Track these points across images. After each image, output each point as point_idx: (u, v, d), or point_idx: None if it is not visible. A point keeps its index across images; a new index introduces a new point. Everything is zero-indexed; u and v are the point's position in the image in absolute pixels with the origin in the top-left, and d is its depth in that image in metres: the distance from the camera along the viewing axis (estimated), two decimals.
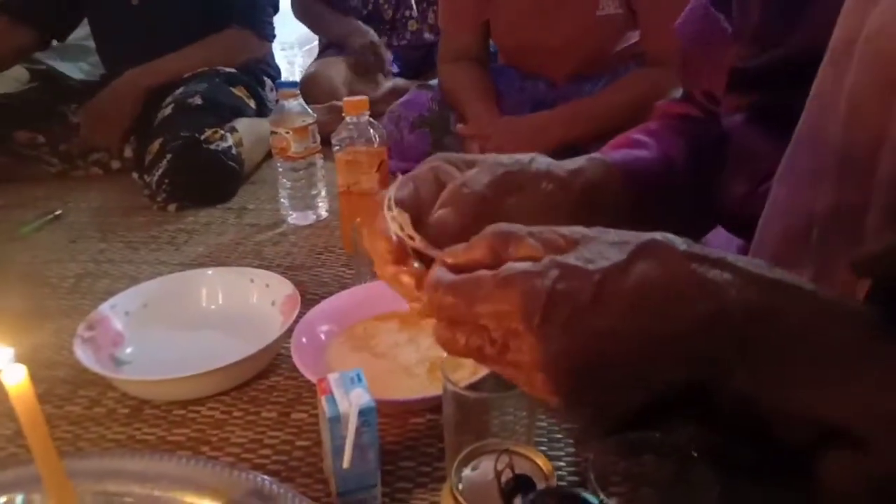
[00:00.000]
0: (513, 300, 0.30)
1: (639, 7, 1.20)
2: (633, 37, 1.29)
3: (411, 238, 0.38)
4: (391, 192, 0.42)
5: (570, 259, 0.31)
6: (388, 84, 1.80)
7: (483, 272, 0.32)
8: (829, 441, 0.30)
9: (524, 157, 0.46)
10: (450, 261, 0.34)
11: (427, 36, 1.91)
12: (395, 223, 0.39)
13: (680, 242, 0.31)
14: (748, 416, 0.31)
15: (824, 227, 0.34)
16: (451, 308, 0.33)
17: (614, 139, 0.60)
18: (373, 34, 1.81)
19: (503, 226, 0.34)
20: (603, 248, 0.31)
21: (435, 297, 0.33)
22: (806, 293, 0.30)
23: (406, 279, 0.38)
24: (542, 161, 0.47)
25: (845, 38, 0.34)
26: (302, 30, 1.98)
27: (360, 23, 1.85)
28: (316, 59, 1.93)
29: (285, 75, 2.92)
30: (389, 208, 0.39)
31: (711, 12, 0.58)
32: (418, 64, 1.96)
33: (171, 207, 1.27)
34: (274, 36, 1.59)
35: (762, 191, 0.47)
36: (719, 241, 0.60)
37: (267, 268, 1.02)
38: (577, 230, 0.33)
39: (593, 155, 0.53)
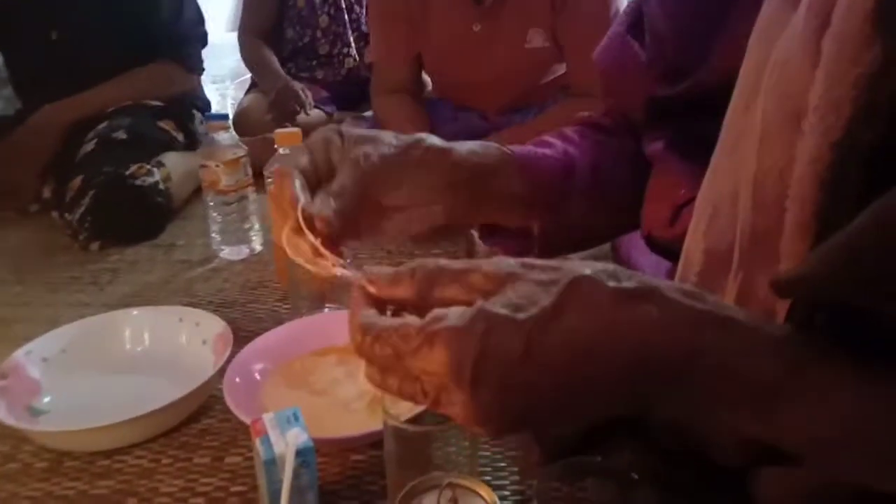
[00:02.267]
0: (441, 360, 0.30)
1: (564, 41, 1.25)
2: (561, 69, 1.33)
3: (334, 264, 0.38)
4: (300, 198, 0.43)
5: (498, 307, 0.30)
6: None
7: (409, 323, 0.32)
8: (761, 459, 0.30)
9: (417, 136, 0.49)
10: (371, 290, 0.34)
11: (363, 73, 1.91)
12: (310, 244, 0.40)
13: (607, 277, 0.31)
14: (682, 442, 0.31)
15: (744, 248, 0.35)
16: (380, 358, 0.33)
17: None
18: (290, 81, 1.74)
19: (429, 265, 0.33)
20: (530, 289, 0.31)
21: (364, 343, 0.33)
22: (735, 325, 0.30)
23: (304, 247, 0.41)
24: (434, 140, 0.50)
25: (753, 67, 0.36)
26: (233, 63, 1.95)
27: (282, 73, 1.79)
28: (247, 93, 1.91)
29: (217, 108, 2.86)
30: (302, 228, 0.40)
31: (628, 40, 0.60)
32: (354, 97, 1.95)
33: (94, 246, 1.20)
34: (202, 69, 1.56)
35: (685, 215, 0.48)
36: (649, 263, 0.61)
37: (197, 305, 0.98)
38: (503, 266, 0.33)
39: (491, 143, 0.55)
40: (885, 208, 0.25)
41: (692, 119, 0.50)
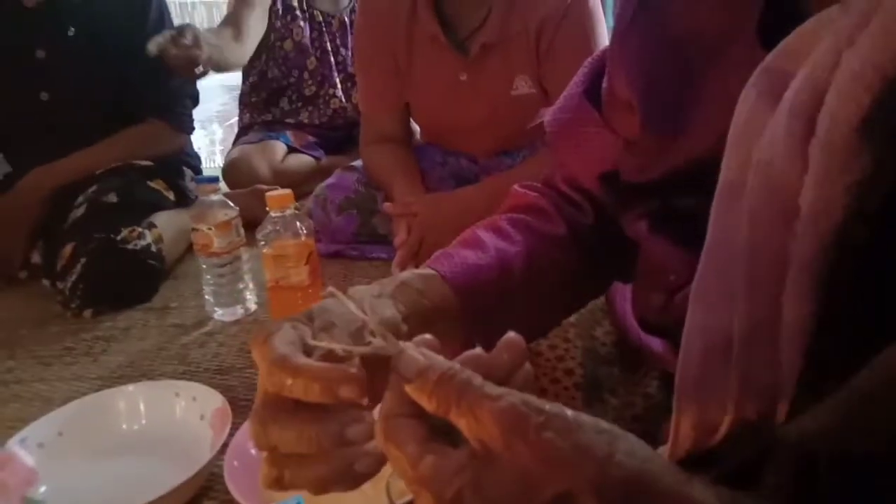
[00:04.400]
0: None
1: (550, 87, 1.26)
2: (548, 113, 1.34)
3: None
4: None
5: (470, 500, 0.28)
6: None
7: (410, 455, 0.31)
8: None
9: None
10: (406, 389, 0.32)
11: (350, 114, 1.92)
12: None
13: (605, 497, 0.27)
14: None
15: (743, 342, 0.35)
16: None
17: (461, 235, 0.61)
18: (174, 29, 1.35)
19: (457, 379, 0.31)
20: (506, 485, 0.28)
21: (380, 441, 0.32)
22: None
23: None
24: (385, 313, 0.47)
25: (736, 166, 0.36)
26: (219, 106, 1.95)
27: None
28: (236, 142, 1.91)
29: (206, 154, 2.88)
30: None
31: (584, 103, 0.60)
32: (341, 142, 1.96)
33: (87, 313, 1.19)
34: (192, 129, 1.56)
35: (679, 300, 0.48)
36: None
37: (194, 373, 0.97)
38: (512, 413, 0.29)
39: (429, 273, 0.54)
40: (891, 358, 0.25)
41: (671, 198, 0.50)
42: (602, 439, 0.29)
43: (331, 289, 0.42)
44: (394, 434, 0.32)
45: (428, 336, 0.35)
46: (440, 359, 0.32)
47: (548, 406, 0.29)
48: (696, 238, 0.38)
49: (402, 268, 1.21)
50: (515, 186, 0.68)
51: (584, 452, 0.28)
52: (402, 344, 0.34)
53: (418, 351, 0.33)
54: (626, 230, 0.56)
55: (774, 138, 0.32)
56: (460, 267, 0.56)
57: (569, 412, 0.30)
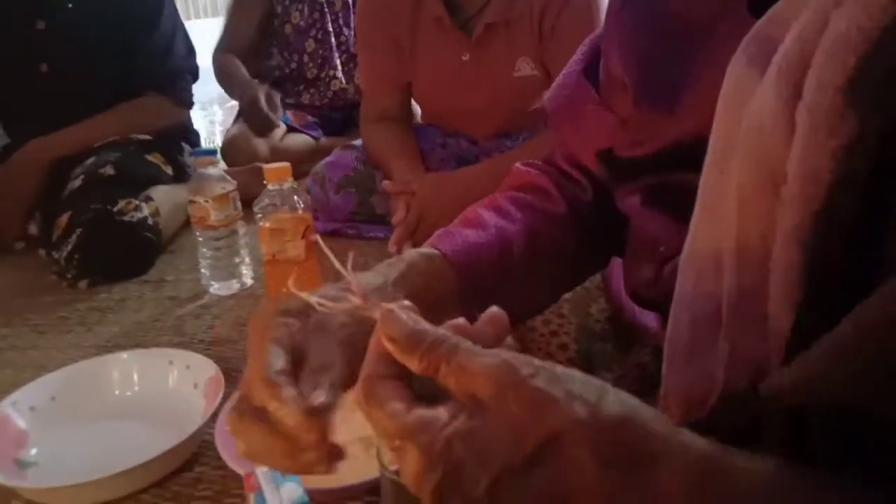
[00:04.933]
0: (411, 469, 0.29)
1: (552, 68, 1.25)
2: None
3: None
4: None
5: (466, 451, 0.28)
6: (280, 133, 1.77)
7: (394, 413, 0.30)
8: None
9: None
10: (389, 348, 0.32)
11: (351, 95, 1.91)
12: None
13: (597, 438, 0.27)
14: None
15: (731, 310, 0.34)
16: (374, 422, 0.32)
17: (463, 213, 0.61)
18: (258, 88, 1.73)
19: (445, 343, 0.31)
20: (496, 433, 0.28)
21: (363, 403, 0.32)
22: (738, 489, 0.27)
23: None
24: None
25: (724, 130, 0.35)
26: (220, 88, 1.94)
27: (248, 79, 1.77)
28: (236, 121, 1.90)
29: (206, 135, 2.87)
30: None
31: (583, 81, 0.60)
32: (341, 123, 1.96)
33: (83, 284, 1.19)
34: (192, 103, 1.56)
35: (668, 273, 0.48)
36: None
37: (188, 344, 0.97)
38: (505, 368, 0.29)
39: (431, 252, 0.54)
40: (865, 312, 0.25)
41: (664, 173, 0.50)
42: (592, 388, 0.29)
43: (292, 287, 0.40)
44: (377, 394, 0.31)
45: (407, 302, 0.34)
46: (425, 322, 0.32)
47: (538, 361, 0.29)
48: (687, 208, 0.38)
49: (399, 246, 1.20)
50: (517, 164, 0.68)
51: (574, 397, 0.28)
52: (384, 306, 0.33)
53: (405, 313, 0.33)
54: (618, 204, 0.56)
55: (763, 103, 0.32)
56: (461, 245, 0.55)
57: (558, 367, 0.30)
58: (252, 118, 1.72)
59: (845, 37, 0.28)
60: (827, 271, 0.29)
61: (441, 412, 0.30)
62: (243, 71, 1.80)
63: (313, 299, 0.38)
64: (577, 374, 0.30)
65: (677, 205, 0.42)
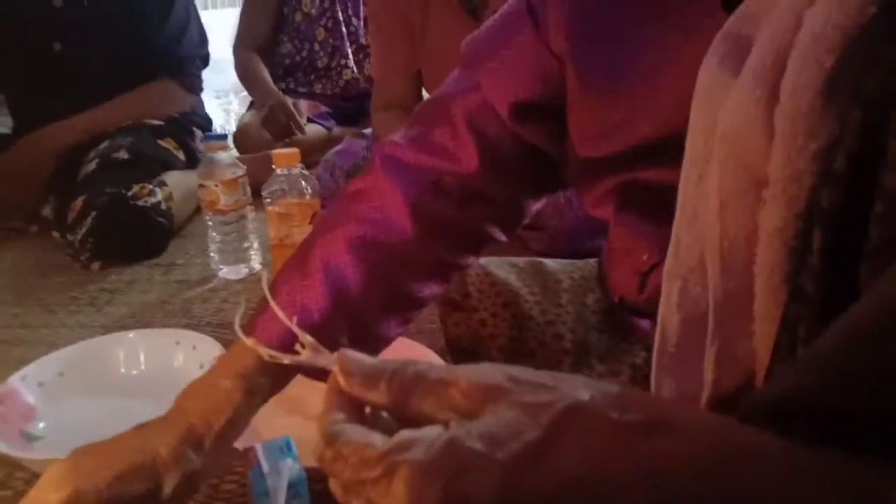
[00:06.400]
0: (400, 499, 0.26)
1: None
2: None
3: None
4: None
5: (473, 440, 0.25)
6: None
7: (374, 445, 0.27)
8: None
9: None
10: (343, 386, 0.30)
11: (363, 85, 1.92)
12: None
13: (609, 405, 0.26)
14: None
15: (718, 313, 0.34)
16: (339, 473, 0.28)
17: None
18: (282, 97, 1.73)
19: (408, 371, 0.29)
20: (514, 416, 0.26)
21: (324, 455, 0.28)
22: (755, 464, 0.26)
23: None
24: None
25: (701, 134, 0.35)
26: (236, 78, 1.95)
27: (272, 86, 1.79)
28: (249, 109, 1.91)
29: (221, 123, 2.88)
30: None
31: (524, 14, 0.55)
32: (353, 113, 1.96)
33: (95, 266, 1.21)
34: (202, 88, 1.57)
35: (652, 280, 0.47)
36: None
37: (196, 326, 0.98)
38: (486, 379, 0.28)
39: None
40: (854, 317, 0.25)
41: (634, 171, 0.48)
42: (586, 380, 0.28)
43: (240, 333, 0.39)
44: (343, 432, 0.28)
45: (350, 350, 0.32)
46: (380, 360, 0.31)
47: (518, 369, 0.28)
48: (666, 214, 0.38)
49: None
50: (385, 141, 0.63)
51: (577, 386, 0.27)
52: (340, 350, 0.32)
53: (356, 354, 0.31)
54: (590, 211, 0.54)
55: (739, 106, 0.32)
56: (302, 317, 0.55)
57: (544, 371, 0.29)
58: (271, 124, 1.68)
59: (821, 37, 0.27)
60: (810, 272, 0.29)
61: (426, 429, 0.27)
62: (266, 74, 1.81)
63: (264, 351, 0.36)
64: (564, 374, 0.29)
65: (654, 208, 0.41)
